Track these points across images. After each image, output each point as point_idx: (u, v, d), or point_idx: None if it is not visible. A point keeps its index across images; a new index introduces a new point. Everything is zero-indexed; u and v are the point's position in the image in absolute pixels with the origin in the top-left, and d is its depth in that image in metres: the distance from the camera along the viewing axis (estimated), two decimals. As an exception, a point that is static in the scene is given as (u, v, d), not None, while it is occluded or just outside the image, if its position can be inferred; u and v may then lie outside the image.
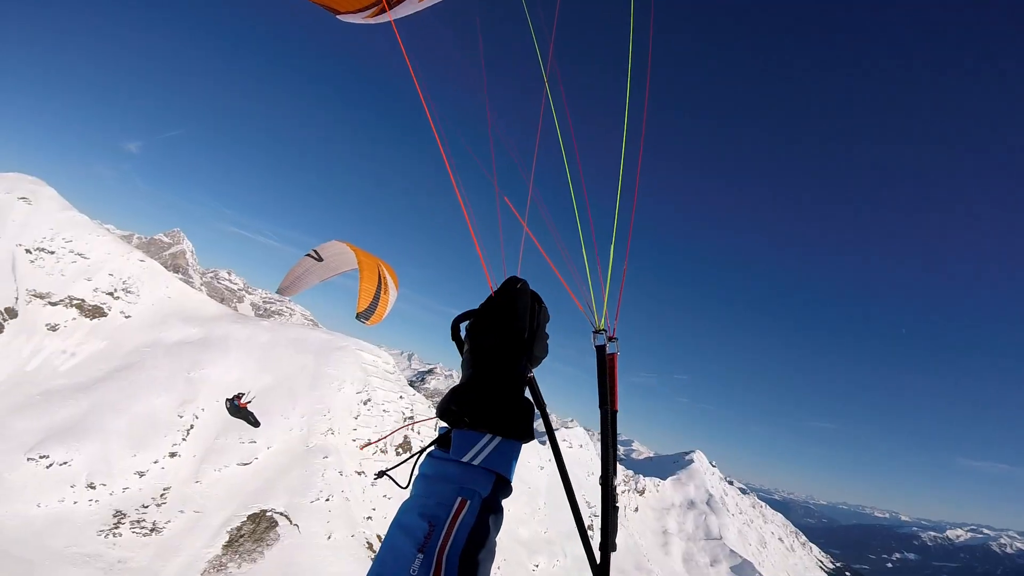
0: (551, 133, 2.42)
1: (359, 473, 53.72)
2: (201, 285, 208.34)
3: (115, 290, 54.16)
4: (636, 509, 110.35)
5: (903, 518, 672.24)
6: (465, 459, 1.50)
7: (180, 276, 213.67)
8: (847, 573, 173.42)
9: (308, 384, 54.09)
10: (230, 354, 51.56)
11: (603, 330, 2.23)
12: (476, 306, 1.87)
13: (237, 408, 17.59)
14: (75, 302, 52.21)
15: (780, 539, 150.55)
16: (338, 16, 2.78)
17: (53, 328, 48.92)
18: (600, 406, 2.21)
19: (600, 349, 2.19)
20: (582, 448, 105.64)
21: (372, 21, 2.76)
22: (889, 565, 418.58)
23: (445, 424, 1.64)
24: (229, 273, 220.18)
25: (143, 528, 37.47)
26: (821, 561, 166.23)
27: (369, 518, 51.23)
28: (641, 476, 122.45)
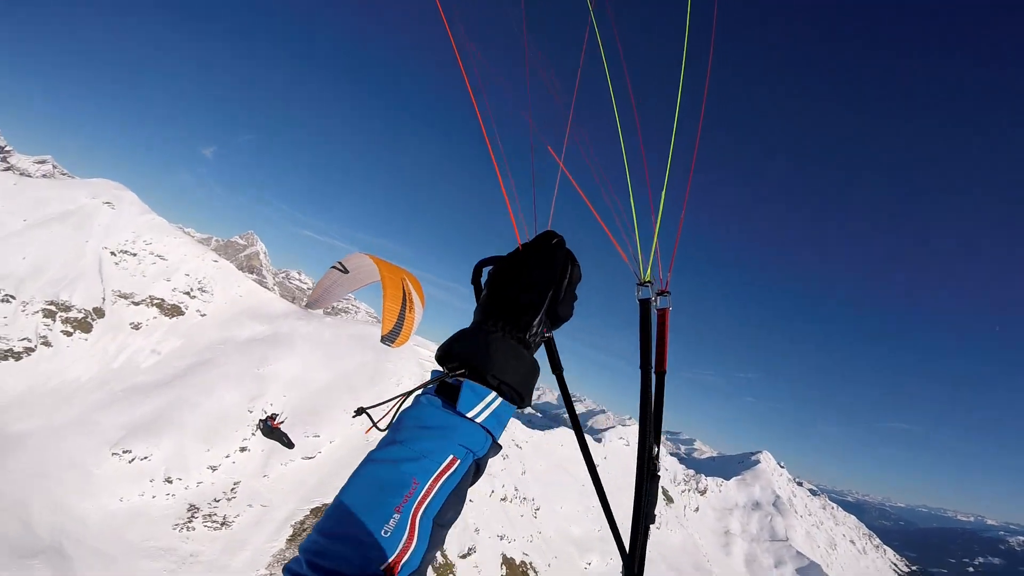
0: (594, 56, 2.13)
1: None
2: (274, 285, 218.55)
3: (191, 289, 57.32)
4: (696, 509, 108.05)
5: (989, 522, 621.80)
6: (469, 414, 1.31)
7: (254, 276, 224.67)
8: None
9: (368, 379, 55.87)
10: (295, 350, 53.78)
11: (649, 282, 1.97)
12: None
13: (271, 429, 16.92)
14: (155, 301, 55.35)
15: (852, 541, 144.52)
16: None
17: (136, 327, 52.03)
18: (641, 367, 1.93)
19: (644, 304, 1.92)
20: None
21: None
22: (971, 570, 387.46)
23: (440, 369, 1.45)
24: (299, 273, 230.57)
25: (214, 522, 39.51)
26: (895, 564, 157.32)
27: None
28: (703, 476, 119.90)
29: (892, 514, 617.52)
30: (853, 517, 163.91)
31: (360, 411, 1.52)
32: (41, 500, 34.60)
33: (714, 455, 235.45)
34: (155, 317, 53.91)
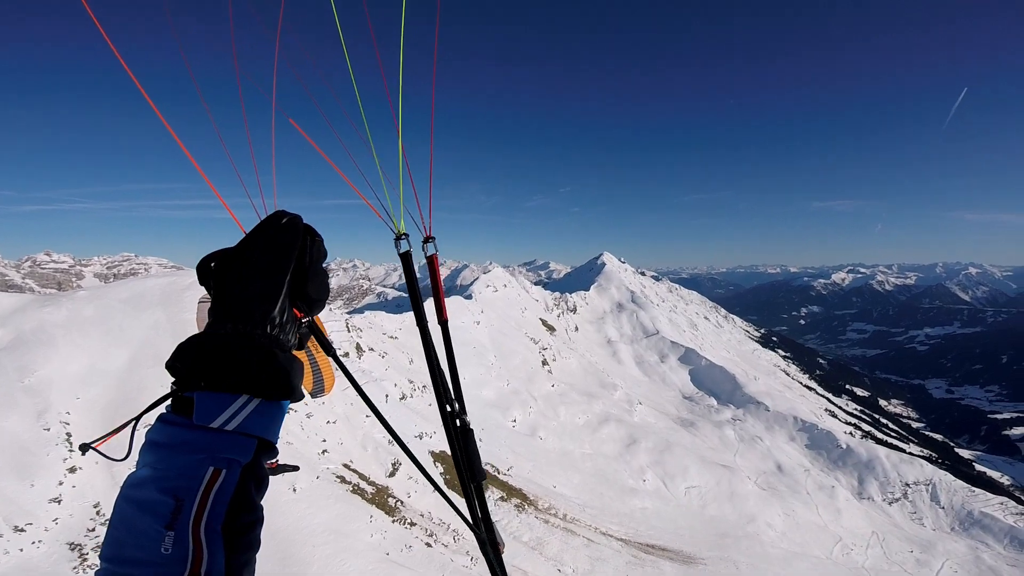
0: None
1: (289, 411, 45.49)
2: (24, 279, 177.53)
3: None
4: (576, 328, 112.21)
5: (792, 270, 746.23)
6: (214, 425, 1.27)
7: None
8: (774, 338, 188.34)
9: (171, 339, 43.40)
10: (58, 343, 41.42)
11: (405, 235, 2.03)
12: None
13: (272, 470, 9.50)
14: None
15: (705, 318, 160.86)
16: None
17: None
18: (417, 322, 2.08)
19: (404, 257, 2.03)
20: (507, 287, 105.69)
21: None
22: (802, 322, 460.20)
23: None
24: (48, 254, 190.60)
25: (110, 553, 30.34)
26: (747, 330, 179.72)
27: (324, 452, 44.81)
28: (568, 294, 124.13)
29: (720, 280, 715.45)
30: (695, 293, 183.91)
31: (86, 448, 1.45)
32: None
33: (569, 270, 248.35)
34: None
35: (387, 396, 56.52)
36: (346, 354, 59.65)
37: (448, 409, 2.09)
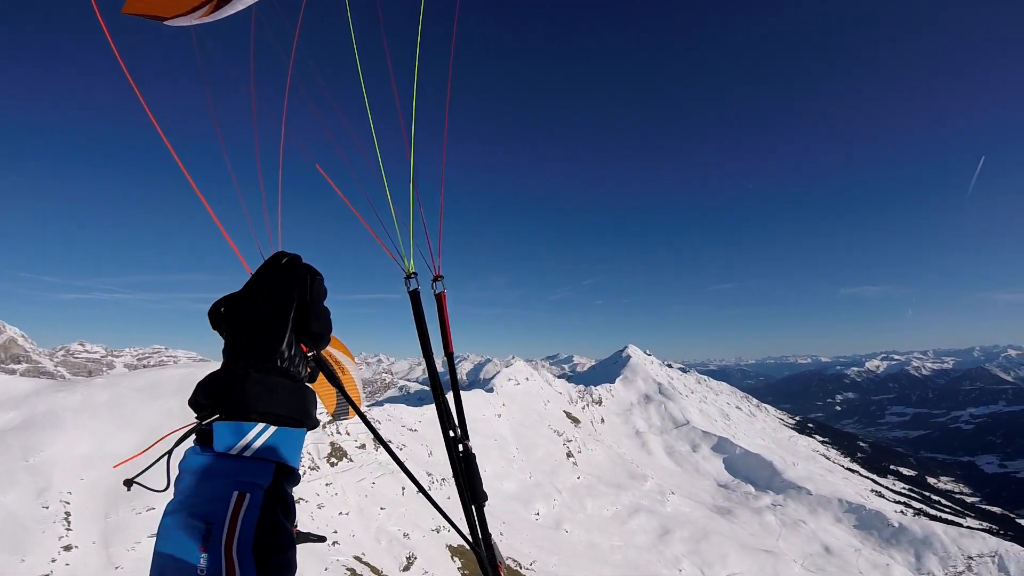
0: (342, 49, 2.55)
1: (298, 501, 43.73)
2: (57, 367, 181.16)
3: None
4: (602, 420, 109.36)
5: (823, 359, 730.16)
6: (233, 452, 1.41)
7: (25, 365, 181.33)
8: (809, 424, 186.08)
9: (185, 422, 42.77)
10: (66, 426, 41.68)
11: (414, 274, 2.15)
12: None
13: (295, 537, 9.53)
14: None
15: (737, 407, 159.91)
16: (165, 23, 2.51)
17: None
18: (424, 355, 2.15)
19: (413, 295, 2.12)
20: (529, 380, 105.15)
21: (207, 19, 2.53)
22: (838, 408, 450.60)
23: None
24: (82, 344, 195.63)
25: (98, 632, 31.13)
26: (782, 419, 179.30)
27: (335, 543, 42.06)
28: (592, 387, 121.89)
29: (750, 372, 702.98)
30: (724, 384, 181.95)
31: (130, 483, 1.57)
32: None
33: (593, 363, 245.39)
34: None
35: (403, 488, 54.07)
36: (362, 446, 58.04)
37: (452, 435, 2.23)
